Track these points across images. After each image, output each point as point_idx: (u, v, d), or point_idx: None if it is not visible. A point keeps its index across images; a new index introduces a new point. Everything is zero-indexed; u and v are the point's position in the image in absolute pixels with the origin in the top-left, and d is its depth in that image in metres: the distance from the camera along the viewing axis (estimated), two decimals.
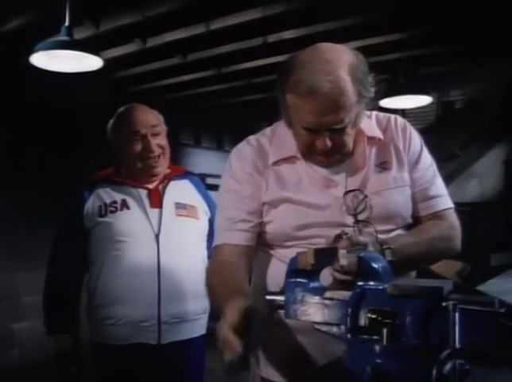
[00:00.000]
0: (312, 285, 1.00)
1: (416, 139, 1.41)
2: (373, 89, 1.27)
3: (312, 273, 1.00)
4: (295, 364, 1.32)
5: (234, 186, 1.38)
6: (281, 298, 1.02)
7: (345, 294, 0.95)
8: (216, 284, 1.31)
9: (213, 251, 1.42)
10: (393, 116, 1.44)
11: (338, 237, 1.10)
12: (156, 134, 2.05)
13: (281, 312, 1.04)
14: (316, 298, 0.98)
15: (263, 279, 1.37)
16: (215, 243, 1.40)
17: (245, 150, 1.42)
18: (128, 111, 2.09)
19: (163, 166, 2.09)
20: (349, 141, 1.30)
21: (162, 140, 2.08)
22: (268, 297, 1.05)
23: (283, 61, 1.29)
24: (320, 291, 0.98)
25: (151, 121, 2.06)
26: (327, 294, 0.97)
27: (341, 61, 1.21)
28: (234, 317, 1.00)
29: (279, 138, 1.39)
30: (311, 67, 1.20)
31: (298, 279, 1.01)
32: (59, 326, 2.06)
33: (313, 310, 0.98)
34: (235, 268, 1.31)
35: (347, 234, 1.08)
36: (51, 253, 2.11)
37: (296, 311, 1.00)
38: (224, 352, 0.97)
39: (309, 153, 1.32)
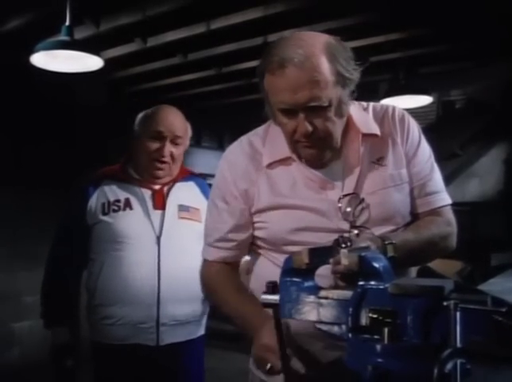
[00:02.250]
0: (306, 284, 1.00)
1: (415, 130, 1.37)
2: (356, 73, 1.22)
3: (307, 272, 1.00)
4: (294, 365, 1.32)
5: (222, 201, 1.38)
6: (275, 297, 1.03)
7: (340, 293, 0.95)
8: (221, 290, 1.38)
9: (202, 260, 1.47)
10: (390, 107, 1.39)
11: (336, 244, 1.08)
12: (175, 143, 2.05)
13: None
14: (311, 297, 0.98)
15: (260, 283, 1.36)
16: (203, 255, 1.45)
17: (236, 156, 1.38)
18: (161, 110, 2.09)
19: (168, 174, 2.08)
20: (334, 130, 1.24)
21: (178, 151, 2.07)
22: (263, 296, 1.05)
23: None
24: (314, 290, 0.98)
25: (178, 129, 2.05)
26: (322, 292, 0.97)
27: (316, 40, 1.20)
28: (270, 338, 1.11)
29: (273, 138, 1.35)
30: (283, 43, 1.20)
31: (293, 278, 1.01)
32: (56, 319, 2.07)
33: (308, 309, 0.98)
34: (233, 277, 1.40)
35: (346, 242, 1.07)
36: (51, 246, 2.12)
37: (290, 310, 1.00)
38: (264, 361, 1.14)
39: (296, 146, 1.27)
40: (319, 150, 1.27)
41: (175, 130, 2.04)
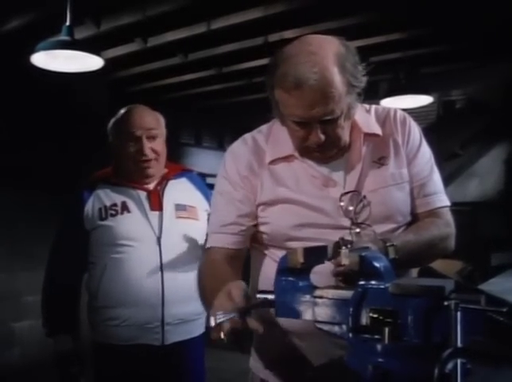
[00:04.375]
0: (301, 283, 1.00)
1: (416, 133, 1.39)
2: (364, 79, 1.24)
3: (302, 271, 1.01)
4: (293, 364, 1.32)
5: (226, 188, 1.37)
6: (271, 296, 1.03)
7: (335, 293, 0.95)
8: (208, 283, 1.31)
9: (204, 252, 1.44)
10: (392, 109, 1.41)
11: (337, 246, 1.09)
12: (152, 137, 2.03)
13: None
14: (306, 297, 0.98)
15: (262, 280, 1.36)
16: (206, 245, 1.41)
17: (240, 149, 1.40)
18: (127, 112, 2.08)
19: (156, 170, 2.07)
20: (343, 134, 1.27)
21: (158, 144, 2.05)
22: (258, 295, 1.05)
23: (271, 57, 1.27)
24: (309, 289, 0.99)
25: (148, 124, 2.04)
26: (317, 292, 0.98)
27: (326, 52, 1.19)
28: (236, 291, 1.03)
29: (276, 136, 1.37)
30: (296, 60, 1.18)
31: (288, 278, 1.01)
32: (58, 327, 2.06)
33: (303, 309, 0.98)
34: (225, 269, 1.31)
35: (346, 244, 1.07)
36: (50, 254, 2.11)
37: (286, 310, 1.01)
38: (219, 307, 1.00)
39: (305, 149, 1.29)
40: (327, 152, 1.29)
41: (146, 124, 2.03)
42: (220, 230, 1.37)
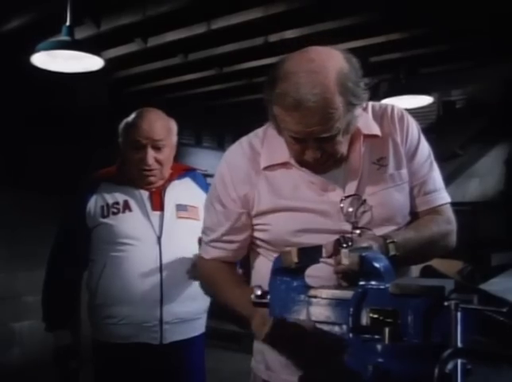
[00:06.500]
0: (296, 283, 1.00)
1: (414, 130, 1.36)
2: (365, 96, 1.21)
3: (296, 271, 1.01)
4: (297, 365, 1.32)
5: (218, 203, 1.38)
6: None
7: (329, 292, 0.96)
8: (220, 284, 1.38)
9: (199, 257, 1.49)
10: (389, 106, 1.39)
11: (337, 244, 1.09)
12: (157, 148, 2.01)
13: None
14: (301, 296, 0.99)
15: (260, 281, 1.36)
16: (200, 252, 1.46)
17: (237, 157, 1.38)
18: (138, 117, 2.04)
19: (159, 177, 2.07)
20: (342, 148, 1.24)
21: (163, 154, 2.03)
22: (254, 295, 1.06)
23: (271, 69, 1.23)
24: (304, 289, 0.99)
25: (156, 134, 2.00)
26: (311, 292, 0.98)
27: (328, 70, 1.14)
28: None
29: (271, 140, 1.35)
30: (296, 79, 1.14)
31: (282, 278, 1.01)
32: (58, 322, 2.08)
33: (297, 308, 0.99)
34: (231, 272, 1.41)
35: (347, 243, 1.07)
36: (52, 249, 2.12)
37: (280, 309, 1.01)
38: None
39: (301, 163, 1.28)
40: (324, 165, 1.28)
41: (153, 135, 1.99)
42: (211, 244, 1.40)
